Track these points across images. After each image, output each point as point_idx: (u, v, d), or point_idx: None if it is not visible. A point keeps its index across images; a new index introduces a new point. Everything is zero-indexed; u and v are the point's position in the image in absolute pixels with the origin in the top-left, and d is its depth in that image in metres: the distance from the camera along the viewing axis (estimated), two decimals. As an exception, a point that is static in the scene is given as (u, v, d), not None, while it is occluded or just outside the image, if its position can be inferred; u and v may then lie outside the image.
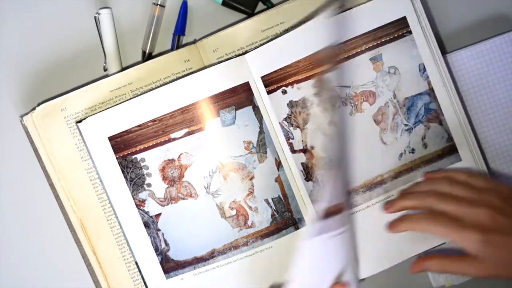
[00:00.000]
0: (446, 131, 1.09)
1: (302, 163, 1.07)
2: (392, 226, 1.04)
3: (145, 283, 1.07)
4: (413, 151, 1.08)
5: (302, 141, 1.07)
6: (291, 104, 1.07)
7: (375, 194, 1.08)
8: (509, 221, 0.97)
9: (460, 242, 0.98)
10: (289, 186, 1.07)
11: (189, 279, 1.06)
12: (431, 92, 1.08)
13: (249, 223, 1.06)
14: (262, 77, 1.06)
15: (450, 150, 1.09)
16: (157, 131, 1.06)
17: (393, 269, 1.08)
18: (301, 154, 1.07)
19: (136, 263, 1.07)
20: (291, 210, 1.07)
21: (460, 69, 1.11)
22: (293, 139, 1.07)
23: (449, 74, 1.09)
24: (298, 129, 1.07)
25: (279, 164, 1.07)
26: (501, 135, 1.12)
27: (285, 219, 1.07)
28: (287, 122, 1.07)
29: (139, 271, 1.07)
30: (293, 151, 1.07)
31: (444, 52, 1.12)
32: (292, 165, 1.07)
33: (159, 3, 1.11)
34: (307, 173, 1.07)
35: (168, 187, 1.06)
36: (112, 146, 1.05)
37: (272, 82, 1.07)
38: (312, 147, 1.07)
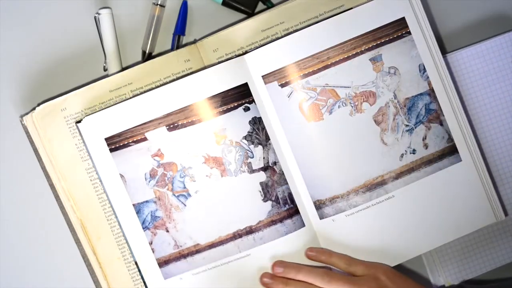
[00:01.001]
0: (447, 131, 1.09)
1: (261, 183, 1.07)
2: None
3: (145, 283, 1.07)
4: (414, 151, 1.08)
5: (264, 158, 1.07)
6: (253, 121, 1.07)
7: (375, 195, 1.08)
8: None
9: None
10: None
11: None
12: (431, 92, 1.08)
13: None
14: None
15: (451, 150, 1.09)
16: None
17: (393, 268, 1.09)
18: (261, 173, 1.07)
19: (136, 263, 1.07)
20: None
21: (460, 69, 1.11)
22: (252, 157, 1.07)
23: (449, 74, 1.09)
24: (259, 146, 1.07)
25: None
26: (501, 135, 1.12)
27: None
28: (247, 141, 1.07)
29: (139, 271, 1.07)
30: (251, 171, 1.07)
31: (444, 52, 1.12)
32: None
33: (159, 3, 1.11)
34: (266, 193, 1.07)
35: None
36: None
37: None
38: (275, 163, 1.07)
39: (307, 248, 1.08)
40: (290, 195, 1.08)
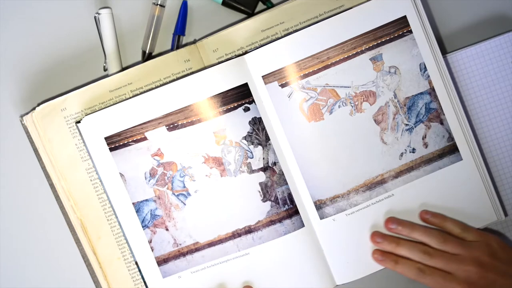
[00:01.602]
0: (447, 130, 1.09)
1: (260, 183, 1.07)
2: (386, 261, 1.07)
3: (145, 283, 1.07)
4: (413, 150, 1.08)
5: (263, 158, 1.07)
6: (253, 121, 1.07)
7: (375, 194, 1.08)
8: (495, 277, 1.03)
9: None
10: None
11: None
12: (432, 91, 1.08)
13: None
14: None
15: (451, 149, 1.09)
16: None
17: (393, 269, 1.09)
18: (261, 173, 1.07)
19: (136, 263, 1.07)
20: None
21: (460, 69, 1.11)
22: (252, 158, 1.07)
23: (449, 74, 1.09)
24: (259, 147, 1.07)
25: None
26: (501, 136, 1.12)
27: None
28: (247, 141, 1.07)
29: (139, 271, 1.07)
30: (251, 171, 1.07)
31: (444, 52, 1.12)
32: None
33: (159, 3, 1.11)
34: (265, 193, 1.07)
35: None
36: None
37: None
38: (275, 163, 1.08)
39: (422, 210, 1.08)
40: (290, 195, 1.08)
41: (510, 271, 1.04)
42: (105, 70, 1.12)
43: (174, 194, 1.07)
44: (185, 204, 1.07)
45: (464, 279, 1.03)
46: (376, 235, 1.08)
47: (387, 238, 1.07)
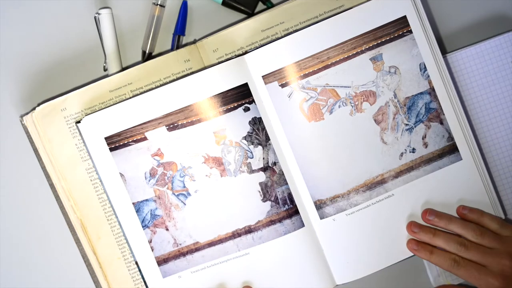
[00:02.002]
0: (447, 130, 1.09)
1: (260, 183, 1.07)
2: (421, 251, 1.07)
3: (145, 283, 1.07)
4: (413, 150, 1.08)
5: (263, 158, 1.07)
6: (253, 121, 1.07)
7: (375, 194, 1.08)
8: None
9: (481, 286, 1.04)
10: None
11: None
12: (431, 91, 1.08)
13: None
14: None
15: (451, 149, 1.09)
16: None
17: (393, 267, 1.09)
18: (261, 173, 1.07)
19: (136, 263, 1.07)
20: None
21: (460, 69, 1.11)
22: (252, 158, 1.07)
23: (449, 74, 1.09)
24: (259, 147, 1.07)
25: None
26: (501, 135, 1.12)
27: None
28: (247, 141, 1.07)
29: (139, 271, 1.07)
30: (251, 171, 1.07)
31: (444, 52, 1.12)
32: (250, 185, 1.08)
33: (159, 3, 1.11)
34: (265, 193, 1.07)
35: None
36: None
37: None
38: (275, 163, 1.08)
39: (460, 206, 1.09)
40: (290, 195, 1.08)
41: None
42: (105, 70, 1.12)
43: (174, 194, 1.07)
44: (185, 204, 1.07)
45: (498, 272, 1.04)
46: (413, 225, 1.08)
47: (424, 228, 1.07)
